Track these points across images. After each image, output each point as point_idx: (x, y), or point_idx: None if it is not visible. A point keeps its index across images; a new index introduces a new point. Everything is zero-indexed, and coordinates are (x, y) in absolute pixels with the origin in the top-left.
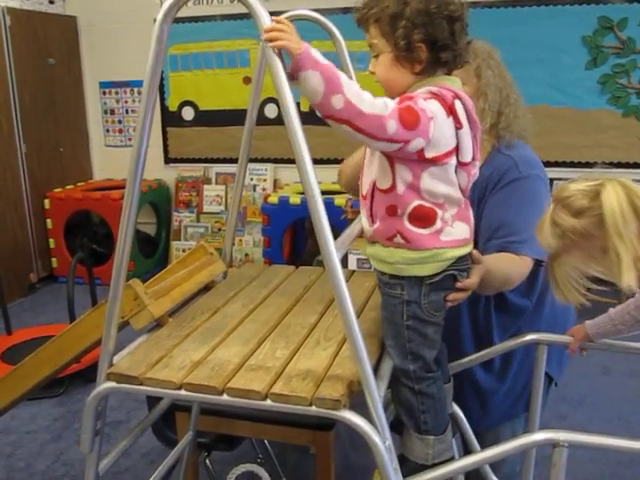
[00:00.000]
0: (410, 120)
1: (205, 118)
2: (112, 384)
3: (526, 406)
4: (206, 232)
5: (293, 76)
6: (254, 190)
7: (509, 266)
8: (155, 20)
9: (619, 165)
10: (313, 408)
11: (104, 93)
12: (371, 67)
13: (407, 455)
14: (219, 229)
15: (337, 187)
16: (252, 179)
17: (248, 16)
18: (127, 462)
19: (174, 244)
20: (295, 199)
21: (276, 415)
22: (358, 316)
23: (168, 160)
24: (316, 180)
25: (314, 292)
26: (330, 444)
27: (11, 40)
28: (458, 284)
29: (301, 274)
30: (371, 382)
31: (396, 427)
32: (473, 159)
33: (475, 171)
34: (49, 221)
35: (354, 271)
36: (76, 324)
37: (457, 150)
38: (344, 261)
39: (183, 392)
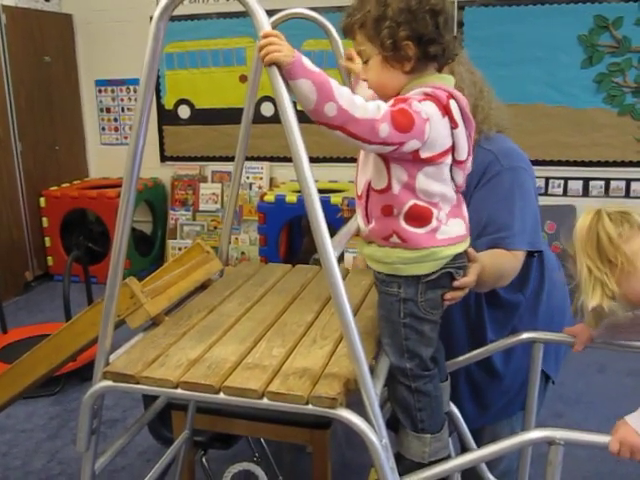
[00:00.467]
0: (403, 123)
1: (201, 116)
2: (108, 383)
3: (523, 404)
4: (202, 230)
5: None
6: (250, 188)
7: (502, 262)
8: (151, 18)
9: (614, 164)
10: (310, 406)
11: (100, 91)
12: (362, 74)
13: (403, 453)
14: (215, 227)
15: (333, 186)
16: (248, 177)
17: (244, 14)
18: (123, 461)
19: (170, 242)
20: (291, 197)
21: (272, 414)
22: (355, 315)
23: (164, 158)
24: (313, 178)
25: (310, 290)
26: (326, 443)
27: (6, 38)
28: (455, 282)
29: (297, 272)
30: (367, 380)
31: (392, 425)
32: (468, 155)
33: (469, 165)
34: (45, 219)
35: (349, 270)
36: (72, 322)
37: (453, 149)
38: (340, 260)
39: (180, 391)
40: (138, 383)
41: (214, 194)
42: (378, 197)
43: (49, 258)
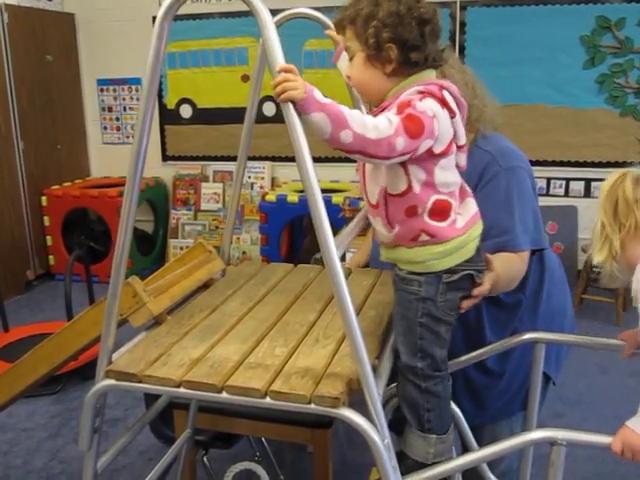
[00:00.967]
0: (415, 129)
1: (203, 116)
2: (111, 381)
3: (523, 404)
4: (203, 230)
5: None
6: (252, 188)
7: (512, 267)
8: (153, 17)
9: (616, 164)
10: (312, 406)
11: (102, 90)
12: (347, 71)
13: (407, 452)
14: (216, 227)
15: (335, 185)
16: (250, 177)
17: (246, 14)
18: (125, 460)
19: (171, 242)
20: (293, 197)
21: (274, 413)
22: (357, 314)
23: (166, 158)
24: (316, 177)
25: (313, 290)
26: (328, 442)
27: (9, 37)
28: (474, 291)
29: (300, 272)
30: (370, 380)
31: (394, 426)
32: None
33: (466, 146)
34: (46, 218)
35: (351, 270)
36: (74, 321)
37: (455, 137)
38: (342, 259)
39: (182, 390)
40: (141, 382)
41: (216, 194)
42: (399, 201)
43: (50, 257)
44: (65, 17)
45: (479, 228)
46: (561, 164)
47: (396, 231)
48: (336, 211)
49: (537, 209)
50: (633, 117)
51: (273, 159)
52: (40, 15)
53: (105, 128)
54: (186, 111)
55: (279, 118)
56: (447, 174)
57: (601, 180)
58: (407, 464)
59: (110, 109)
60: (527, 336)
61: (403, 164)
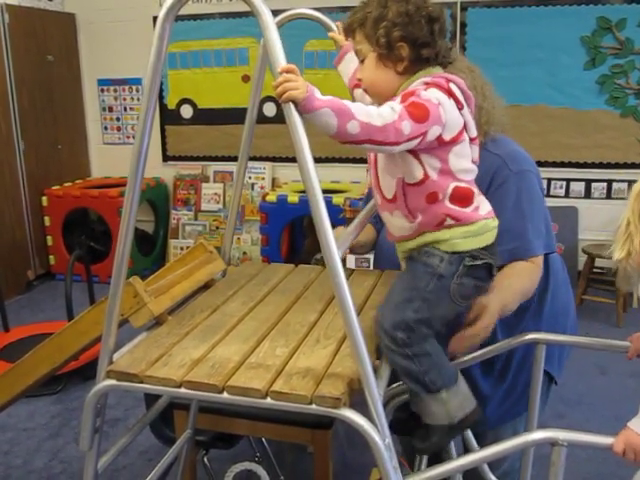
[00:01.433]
0: (420, 114)
1: (204, 116)
2: (112, 382)
3: (527, 406)
4: (204, 230)
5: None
6: (252, 189)
7: (524, 283)
8: (154, 18)
9: (617, 165)
10: (313, 406)
11: (102, 91)
12: (358, 74)
13: (430, 422)
14: (217, 227)
15: (336, 186)
16: (250, 178)
17: (247, 14)
18: (125, 460)
19: (172, 242)
20: (293, 198)
21: (274, 413)
22: (358, 314)
23: (166, 158)
24: (317, 178)
25: (314, 290)
26: (328, 443)
27: (9, 37)
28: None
29: (300, 272)
30: (371, 380)
31: (395, 428)
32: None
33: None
34: (47, 218)
35: (353, 270)
36: (75, 321)
37: (465, 127)
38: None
39: (183, 390)
40: (142, 382)
41: (216, 194)
42: (418, 189)
43: (51, 257)
44: (66, 17)
45: (496, 221)
46: (562, 165)
47: (419, 220)
48: (337, 212)
49: (547, 213)
50: (634, 118)
51: (274, 159)
52: (41, 15)
53: (106, 128)
54: (187, 111)
55: (280, 118)
56: (462, 161)
57: (601, 181)
58: (435, 431)
59: (111, 109)
60: (528, 337)
61: (415, 154)
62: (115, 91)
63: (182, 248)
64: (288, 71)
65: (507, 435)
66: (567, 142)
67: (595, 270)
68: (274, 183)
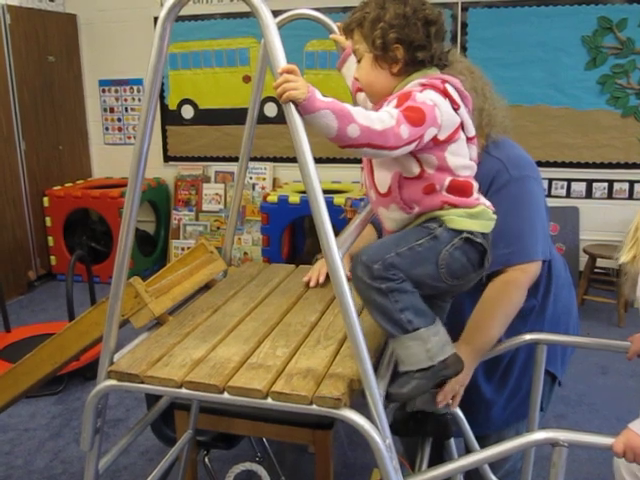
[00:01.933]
0: (417, 118)
1: (204, 116)
2: (113, 382)
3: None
4: (205, 231)
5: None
6: (253, 189)
7: (500, 310)
8: (155, 18)
9: (618, 166)
10: (314, 407)
11: (103, 91)
12: (355, 73)
13: (409, 368)
14: (218, 227)
15: (337, 186)
16: (251, 178)
17: (248, 15)
18: (126, 460)
19: (173, 242)
20: (294, 198)
21: (275, 414)
22: (358, 315)
23: (167, 158)
24: (317, 178)
25: (314, 291)
26: (329, 443)
27: (11, 38)
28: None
29: (301, 273)
30: (372, 381)
31: (396, 429)
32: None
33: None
34: (48, 219)
35: None
36: (76, 322)
37: (462, 127)
38: None
39: (184, 390)
40: (143, 382)
41: (217, 194)
42: (414, 182)
43: (52, 257)
44: (67, 18)
45: (495, 215)
46: (563, 165)
47: (416, 210)
48: (338, 212)
49: (545, 219)
50: (635, 118)
51: (275, 160)
52: (42, 16)
53: (107, 129)
54: (188, 112)
55: (281, 119)
56: (458, 159)
57: (603, 181)
58: (414, 377)
59: (112, 110)
60: (528, 337)
61: (412, 153)
62: (116, 91)
63: (183, 248)
64: (289, 71)
65: (510, 437)
66: (568, 142)
67: (596, 270)
68: (275, 183)
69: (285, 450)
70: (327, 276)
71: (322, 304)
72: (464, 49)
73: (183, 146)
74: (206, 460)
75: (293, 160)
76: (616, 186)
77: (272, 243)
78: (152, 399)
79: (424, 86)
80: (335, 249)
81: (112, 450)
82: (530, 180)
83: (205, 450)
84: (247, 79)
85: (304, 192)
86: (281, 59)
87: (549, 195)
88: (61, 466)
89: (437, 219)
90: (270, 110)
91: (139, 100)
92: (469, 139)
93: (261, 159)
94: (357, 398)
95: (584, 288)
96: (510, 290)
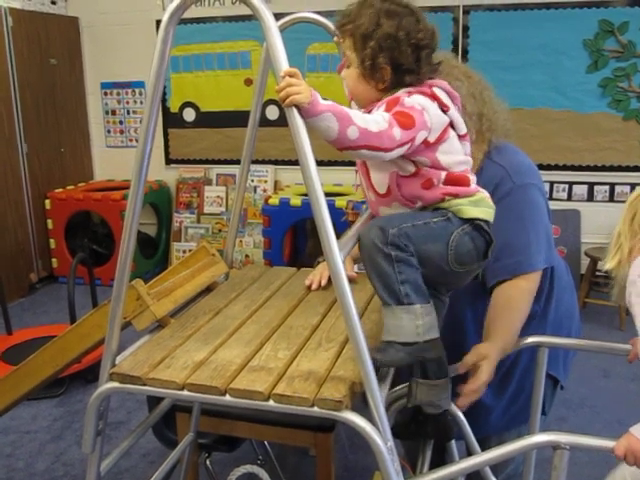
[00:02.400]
0: (407, 122)
1: (206, 119)
2: (115, 384)
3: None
4: (206, 233)
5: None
6: (255, 191)
7: (520, 313)
8: (157, 21)
9: (619, 169)
10: (315, 409)
11: (105, 94)
12: (343, 73)
13: (393, 338)
14: (219, 230)
15: (338, 189)
16: (253, 180)
17: (250, 18)
18: (127, 463)
19: (174, 245)
20: (296, 201)
21: (276, 416)
22: (360, 318)
23: (169, 161)
24: (319, 181)
25: (316, 293)
26: (330, 446)
27: (13, 41)
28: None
29: (303, 276)
30: (373, 383)
31: (396, 432)
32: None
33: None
34: (50, 221)
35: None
36: (78, 324)
37: (452, 125)
38: None
39: (186, 392)
40: (144, 385)
41: (219, 197)
42: (412, 180)
43: (54, 260)
44: (69, 21)
45: (494, 205)
46: (564, 168)
47: (419, 204)
48: (339, 215)
49: (549, 226)
50: (636, 121)
51: (276, 162)
52: (44, 19)
53: (109, 131)
54: (189, 115)
55: (282, 122)
56: (450, 156)
57: (604, 184)
58: (398, 348)
59: (114, 112)
60: (530, 340)
61: (405, 155)
62: (118, 94)
63: (185, 251)
64: (291, 75)
65: (511, 439)
66: (570, 145)
67: (598, 273)
68: (276, 186)
69: (286, 453)
70: (329, 279)
71: (324, 306)
72: (465, 52)
73: (185, 149)
74: (207, 463)
75: (295, 163)
76: (617, 189)
77: (274, 246)
78: (153, 402)
79: (411, 92)
80: (337, 251)
81: (114, 453)
82: (533, 188)
83: (206, 453)
84: (249, 82)
85: (306, 195)
86: (283, 62)
87: (550, 198)
88: (62, 469)
89: (444, 209)
90: (272, 113)
91: (141, 103)
92: (461, 136)
93: (263, 162)
94: (358, 401)
95: (585, 291)
96: (517, 297)
